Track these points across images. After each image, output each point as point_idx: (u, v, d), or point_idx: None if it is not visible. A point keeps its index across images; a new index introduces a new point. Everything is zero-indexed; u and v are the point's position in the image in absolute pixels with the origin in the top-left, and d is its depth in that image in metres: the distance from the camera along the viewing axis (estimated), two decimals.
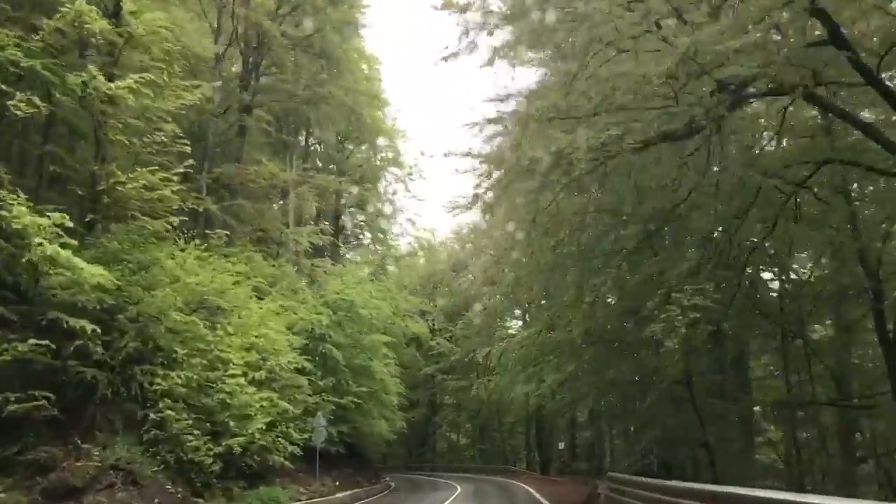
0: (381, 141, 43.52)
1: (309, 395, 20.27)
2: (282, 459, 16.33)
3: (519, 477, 39.39)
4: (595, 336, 21.22)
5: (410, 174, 41.96)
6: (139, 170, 14.32)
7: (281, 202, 32.36)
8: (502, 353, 28.23)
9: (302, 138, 39.22)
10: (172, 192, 14.78)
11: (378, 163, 45.10)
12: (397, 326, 35.44)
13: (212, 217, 22.60)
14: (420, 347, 62.67)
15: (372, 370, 25.21)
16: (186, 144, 16.29)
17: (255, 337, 17.18)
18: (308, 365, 21.55)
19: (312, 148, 42.72)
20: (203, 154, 23.00)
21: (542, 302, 28.97)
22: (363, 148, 46.07)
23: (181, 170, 15.65)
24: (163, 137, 15.28)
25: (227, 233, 21.32)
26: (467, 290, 60.60)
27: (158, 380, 13.97)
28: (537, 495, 24.74)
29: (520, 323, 55.06)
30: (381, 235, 48.54)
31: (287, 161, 30.36)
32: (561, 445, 43.30)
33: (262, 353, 17.11)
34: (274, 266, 24.79)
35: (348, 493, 22.77)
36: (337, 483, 24.15)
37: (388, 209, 47.10)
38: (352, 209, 43.53)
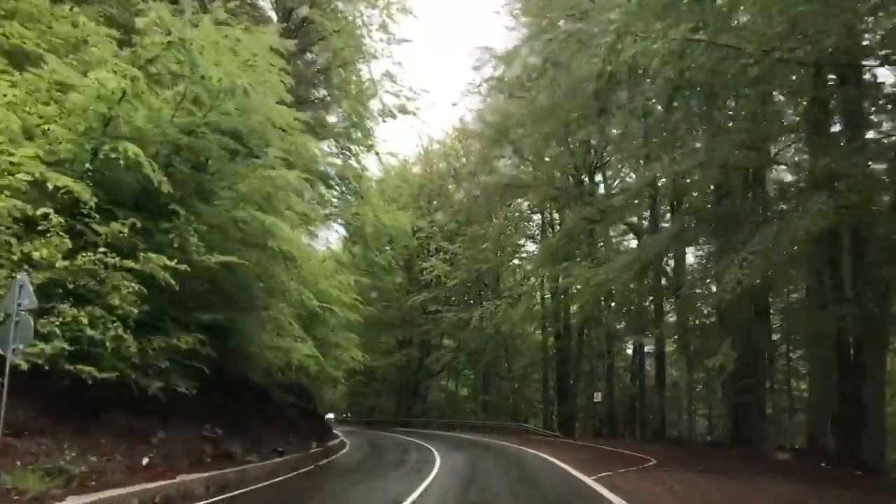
0: None
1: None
2: None
3: (537, 444, 26.97)
4: None
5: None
6: None
7: None
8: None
9: None
10: None
11: None
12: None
13: None
14: (410, 271, 50.53)
15: (266, 226, 12.81)
16: None
17: None
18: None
19: None
20: None
21: None
22: None
23: None
24: None
25: None
26: (469, 201, 48.37)
27: None
28: None
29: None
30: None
31: None
32: (597, 396, 31.11)
33: None
34: None
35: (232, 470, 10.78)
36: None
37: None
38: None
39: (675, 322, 26.60)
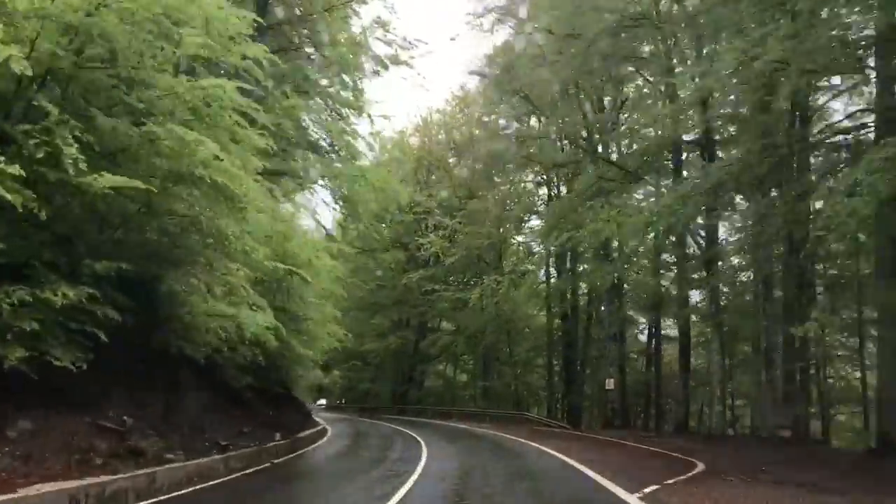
0: None
1: None
2: None
3: (543, 437, 23.80)
4: None
5: None
6: None
7: None
8: None
9: None
10: None
11: None
12: None
13: None
14: (406, 248, 47.00)
15: (190, 148, 9.42)
16: None
17: None
18: None
19: None
20: None
21: None
22: None
23: None
24: None
25: None
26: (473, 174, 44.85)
27: None
28: None
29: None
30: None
31: None
32: (610, 384, 27.83)
33: None
34: None
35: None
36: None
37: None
38: None
39: (708, 298, 23.21)
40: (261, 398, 19.25)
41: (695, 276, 24.83)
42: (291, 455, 15.36)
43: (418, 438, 19.86)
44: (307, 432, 20.47)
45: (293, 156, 23.19)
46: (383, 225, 46.79)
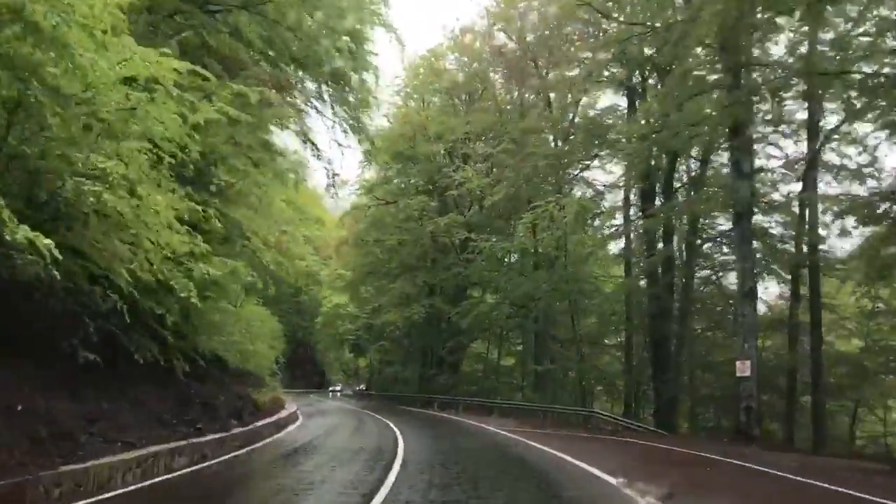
0: None
1: None
2: None
3: (655, 463, 12.91)
4: None
5: None
6: None
7: None
8: None
9: None
10: None
11: None
12: None
13: None
14: (435, 192, 36.24)
15: None
16: None
17: None
18: None
19: None
20: None
21: None
22: None
23: None
24: None
25: None
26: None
27: None
28: None
29: None
30: None
31: None
32: (743, 368, 17.06)
33: None
34: None
35: None
36: None
37: None
38: None
39: None
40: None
41: None
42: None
43: (412, 453, 9.61)
44: (257, 424, 10.68)
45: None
46: (410, 165, 36.71)
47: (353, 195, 39.76)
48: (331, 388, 54.83)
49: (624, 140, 24.91)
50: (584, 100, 29.79)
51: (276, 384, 30.25)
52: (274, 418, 16.11)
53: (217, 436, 11.03)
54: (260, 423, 14.37)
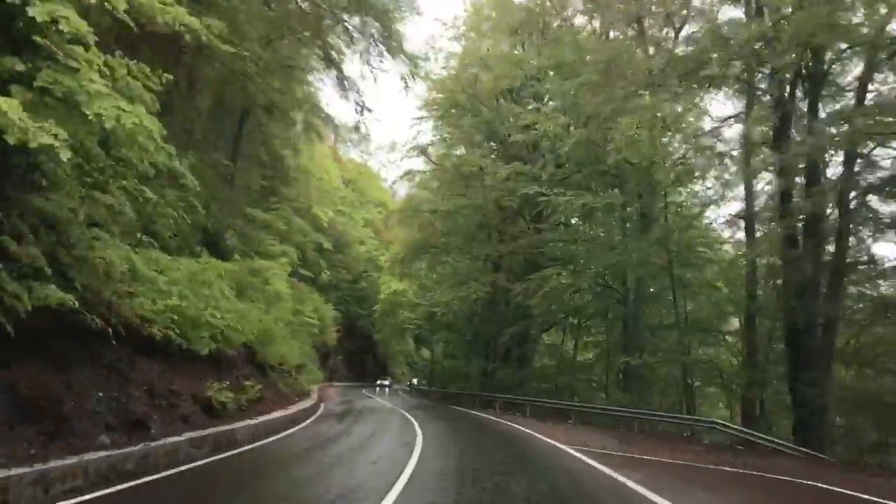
0: None
1: None
2: None
3: None
4: None
5: None
6: None
7: None
8: None
9: None
10: None
11: None
12: None
13: None
14: (494, 140, 29.65)
15: None
16: None
17: None
18: None
19: None
20: None
21: None
22: None
23: None
24: None
25: None
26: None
27: None
28: None
29: None
30: None
31: None
32: None
33: None
34: None
35: None
36: None
37: None
38: None
39: None
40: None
41: None
42: None
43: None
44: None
45: None
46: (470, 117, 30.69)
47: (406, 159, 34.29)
48: (378, 383, 49.50)
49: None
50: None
51: (308, 375, 25.29)
52: (234, 426, 10.55)
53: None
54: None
